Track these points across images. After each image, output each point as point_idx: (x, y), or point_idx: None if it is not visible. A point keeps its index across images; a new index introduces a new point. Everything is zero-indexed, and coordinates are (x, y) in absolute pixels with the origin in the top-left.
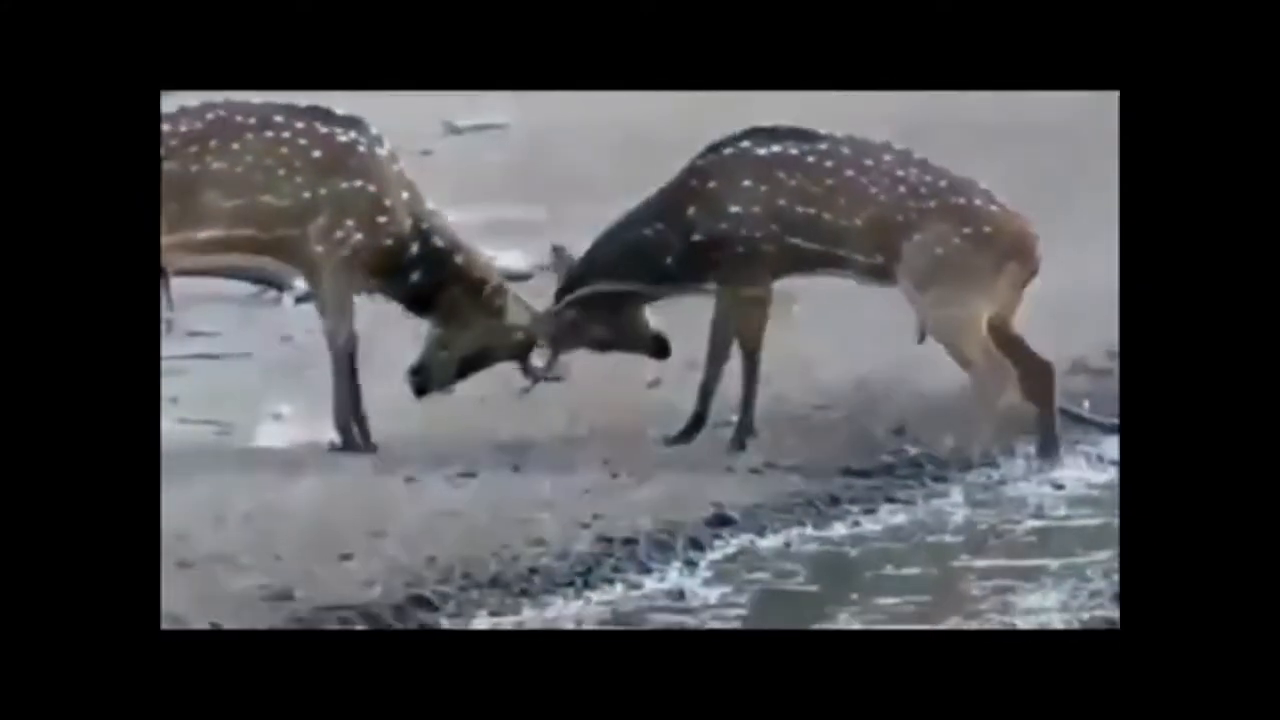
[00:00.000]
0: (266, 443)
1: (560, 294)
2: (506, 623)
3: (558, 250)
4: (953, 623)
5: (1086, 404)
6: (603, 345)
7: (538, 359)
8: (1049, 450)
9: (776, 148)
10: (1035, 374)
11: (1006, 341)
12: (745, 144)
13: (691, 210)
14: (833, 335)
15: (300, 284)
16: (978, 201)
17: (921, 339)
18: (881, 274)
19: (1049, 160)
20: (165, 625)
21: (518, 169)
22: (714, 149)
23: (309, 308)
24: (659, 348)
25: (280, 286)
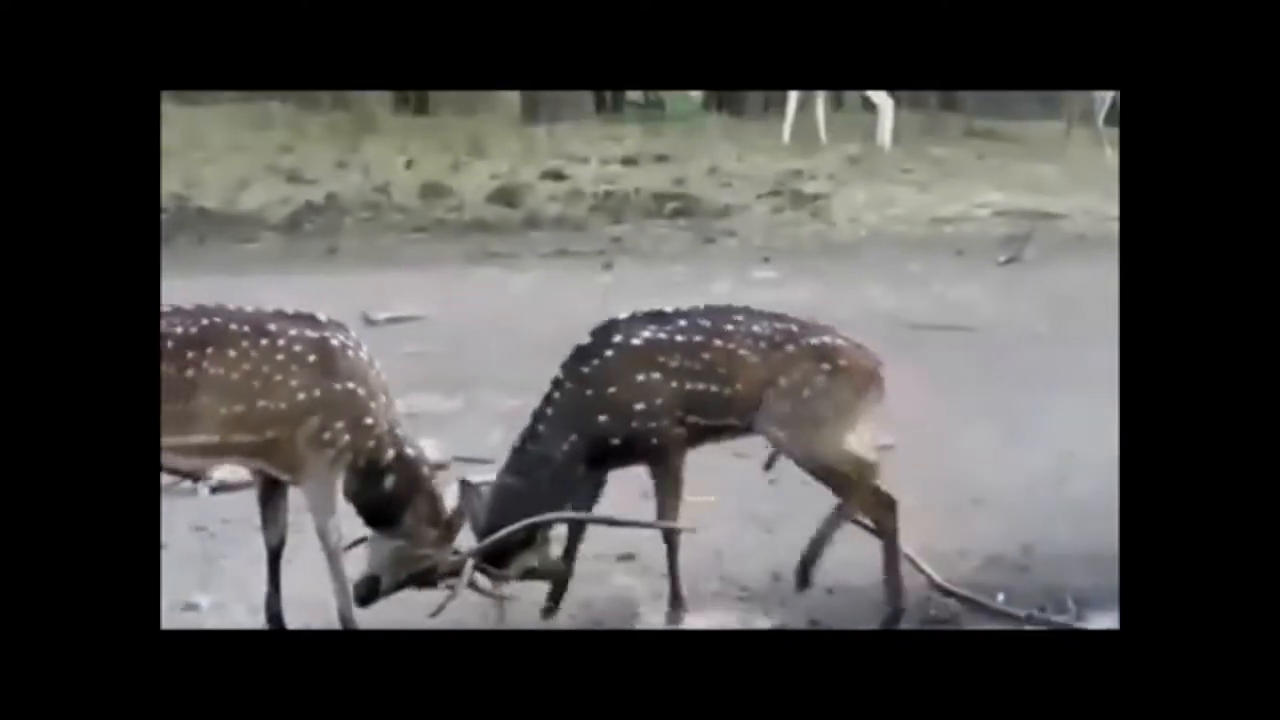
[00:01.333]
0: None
1: (484, 534)
2: None
3: (466, 486)
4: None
5: (1001, 596)
6: (526, 575)
7: (482, 581)
8: (889, 590)
9: (647, 334)
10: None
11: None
12: (617, 339)
13: (603, 419)
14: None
15: (216, 474)
16: (829, 339)
17: (769, 467)
18: (748, 428)
19: (959, 355)
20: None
21: (434, 360)
22: (589, 354)
23: (224, 497)
24: (562, 578)
25: (195, 478)
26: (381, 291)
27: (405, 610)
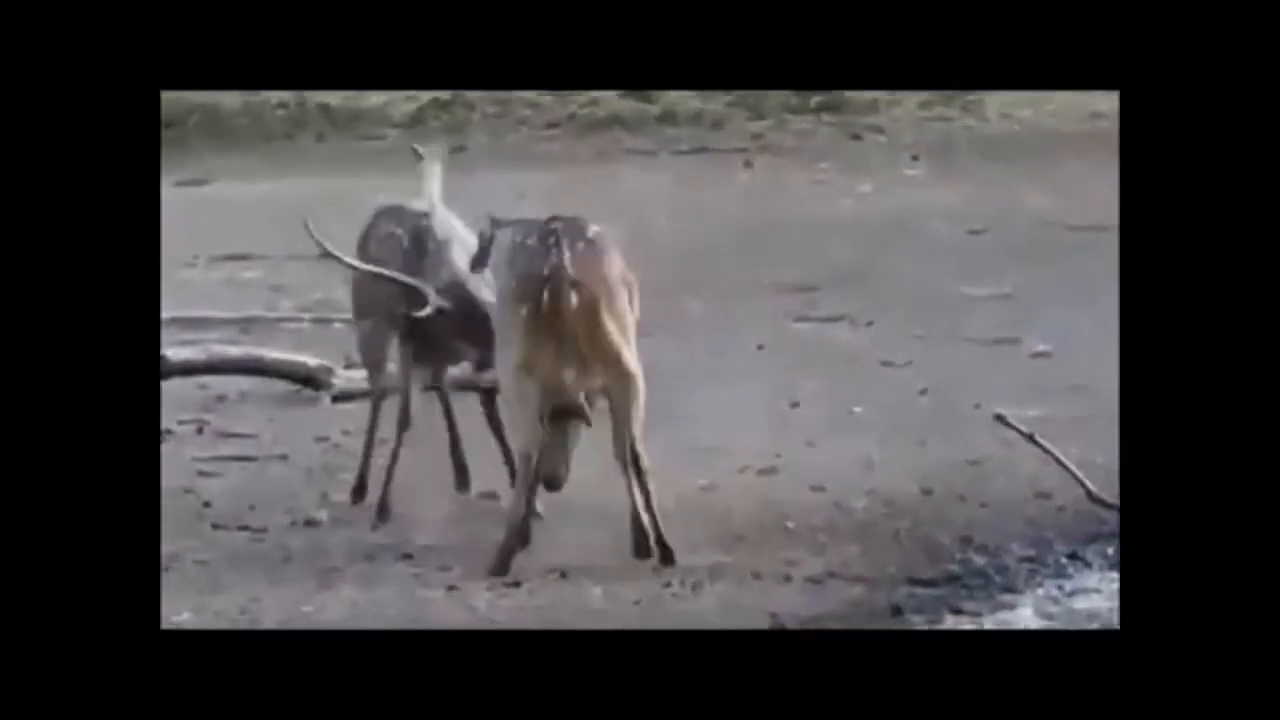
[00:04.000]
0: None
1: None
2: None
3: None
4: None
5: None
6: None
7: None
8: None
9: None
10: None
11: None
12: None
13: None
14: (898, 440)
15: (337, 382)
16: None
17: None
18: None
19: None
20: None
21: None
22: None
23: (346, 407)
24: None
25: (317, 385)
26: (511, 192)
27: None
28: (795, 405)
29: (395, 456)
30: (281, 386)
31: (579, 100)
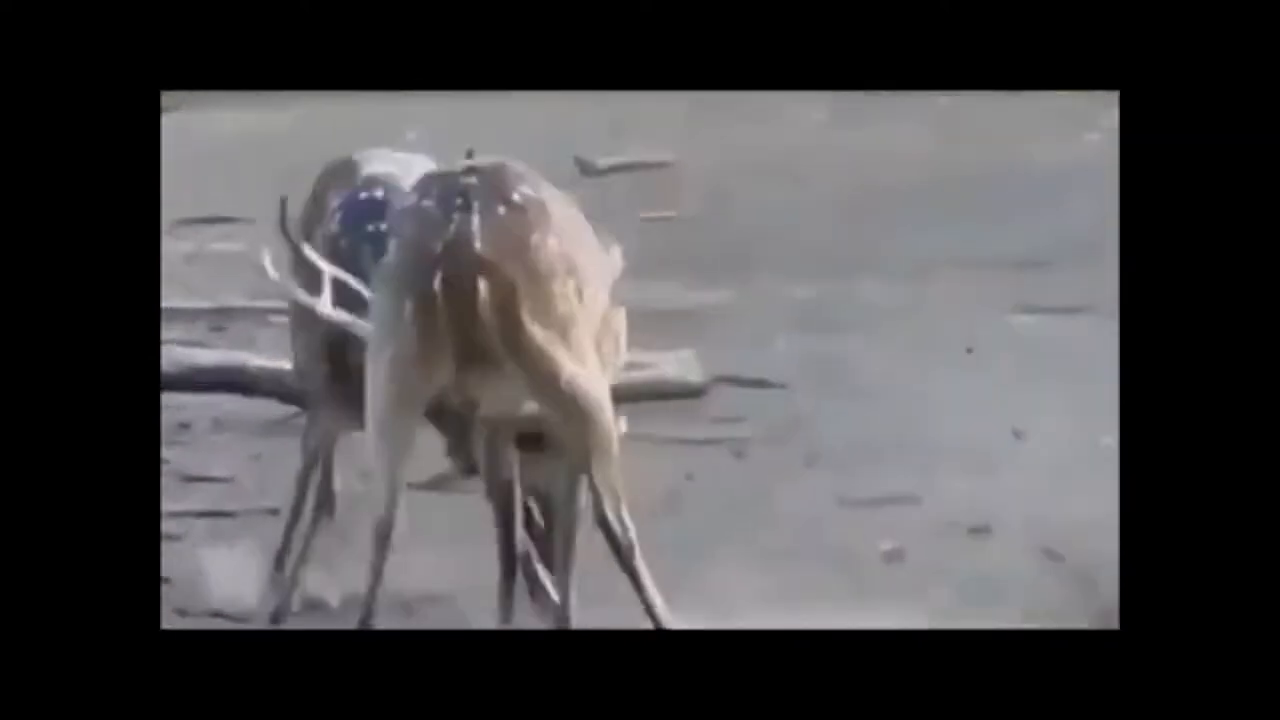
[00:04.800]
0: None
1: None
2: None
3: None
4: None
5: None
6: None
7: None
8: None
9: None
10: None
11: None
12: None
13: None
14: None
15: None
16: None
17: None
18: None
19: None
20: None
21: (685, 229)
22: None
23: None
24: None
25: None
26: (604, 122)
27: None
28: (1019, 435)
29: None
30: (270, 409)
31: None
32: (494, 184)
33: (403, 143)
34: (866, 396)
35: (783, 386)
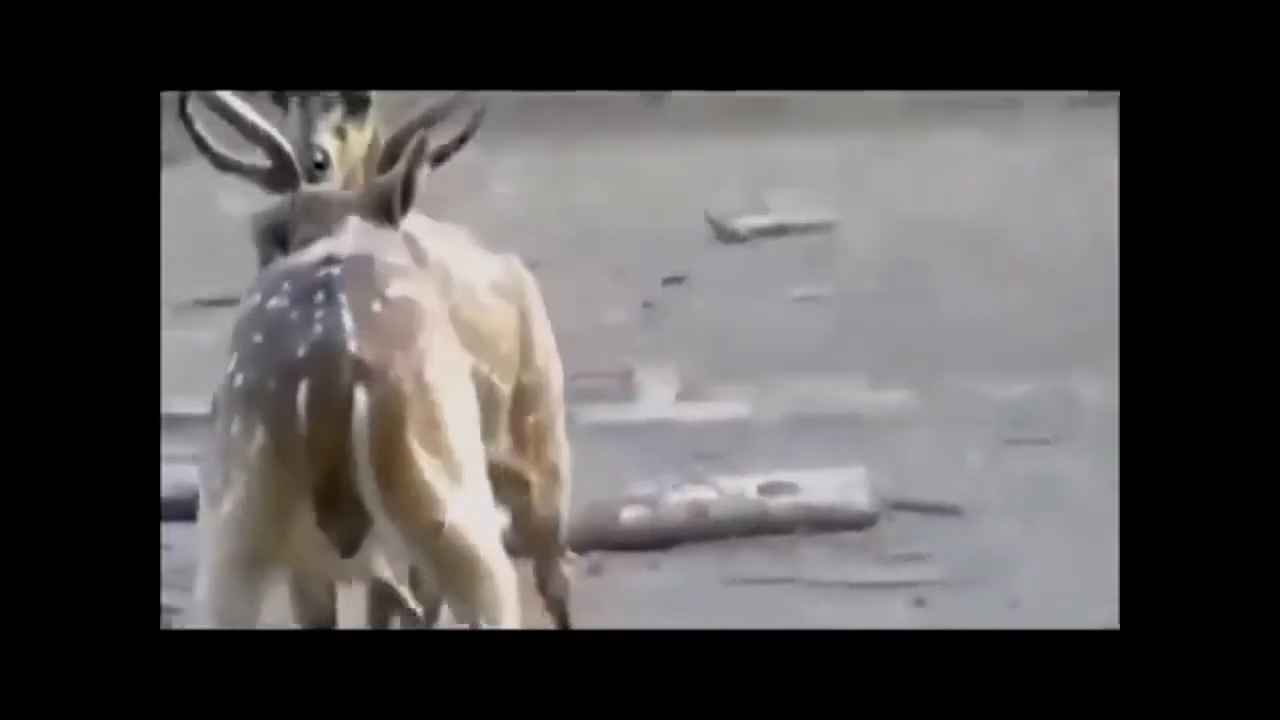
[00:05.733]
0: None
1: None
2: None
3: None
4: None
5: None
6: None
7: None
8: None
9: None
10: None
11: None
12: None
13: None
14: None
15: None
16: None
17: None
18: None
19: None
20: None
21: (844, 307)
22: None
23: None
24: None
25: None
26: (750, 177)
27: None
28: None
29: None
30: None
31: None
32: (364, 274)
33: (491, 195)
34: (1085, 525)
35: (976, 514)
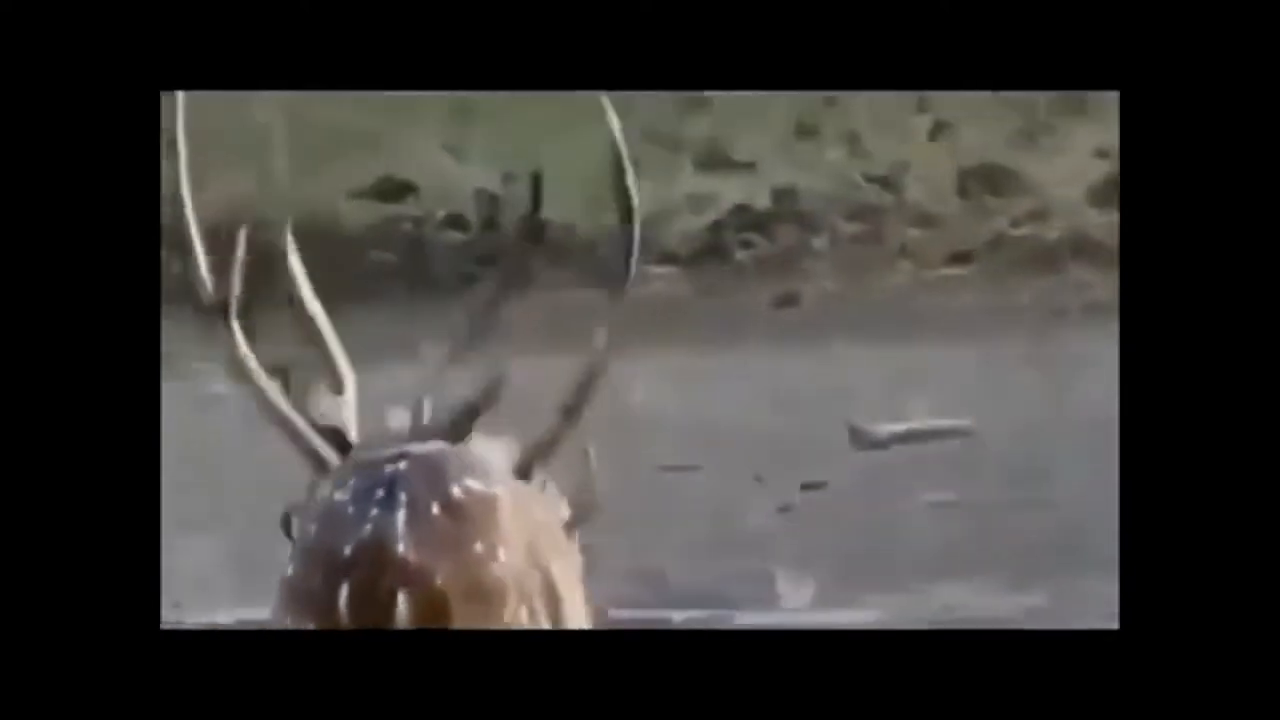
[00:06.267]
0: None
1: None
2: None
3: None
4: None
5: None
6: None
7: None
8: None
9: None
10: None
11: None
12: None
13: None
14: None
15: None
16: None
17: None
18: None
19: None
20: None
21: (988, 516)
22: None
23: None
24: None
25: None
26: (887, 379)
27: None
28: None
29: None
30: None
31: (1012, 207)
32: (431, 473)
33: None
34: None
35: None
